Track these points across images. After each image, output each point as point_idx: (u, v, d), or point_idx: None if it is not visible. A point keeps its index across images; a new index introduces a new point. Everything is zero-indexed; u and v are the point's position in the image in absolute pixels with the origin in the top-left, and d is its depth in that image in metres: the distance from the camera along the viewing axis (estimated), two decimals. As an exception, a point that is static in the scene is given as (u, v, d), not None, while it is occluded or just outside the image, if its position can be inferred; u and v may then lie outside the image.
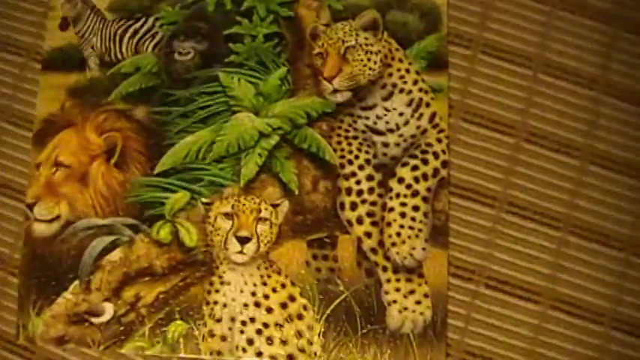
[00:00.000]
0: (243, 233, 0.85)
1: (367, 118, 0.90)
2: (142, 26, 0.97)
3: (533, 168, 0.91)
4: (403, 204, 0.88)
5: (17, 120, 0.97)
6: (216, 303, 0.86)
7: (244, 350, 0.85)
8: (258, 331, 0.85)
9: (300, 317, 0.85)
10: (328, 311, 0.86)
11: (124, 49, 0.97)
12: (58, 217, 0.91)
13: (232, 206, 0.87)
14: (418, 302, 0.86)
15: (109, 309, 0.87)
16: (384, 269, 0.86)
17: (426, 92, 0.91)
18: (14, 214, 0.93)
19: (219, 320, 0.85)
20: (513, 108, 0.92)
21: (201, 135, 0.92)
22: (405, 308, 0.85)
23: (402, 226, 0.87)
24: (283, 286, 0.86)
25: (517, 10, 0.95)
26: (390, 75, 0.91)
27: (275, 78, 0.92)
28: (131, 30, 0.97)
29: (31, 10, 1.01)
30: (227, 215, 0.87)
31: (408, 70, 0.91)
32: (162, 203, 0.90)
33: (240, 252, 0.85)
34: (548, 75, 0.94)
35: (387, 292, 0.86)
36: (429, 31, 0.93)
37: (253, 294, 0.85)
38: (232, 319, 0.85)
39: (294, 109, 0.91)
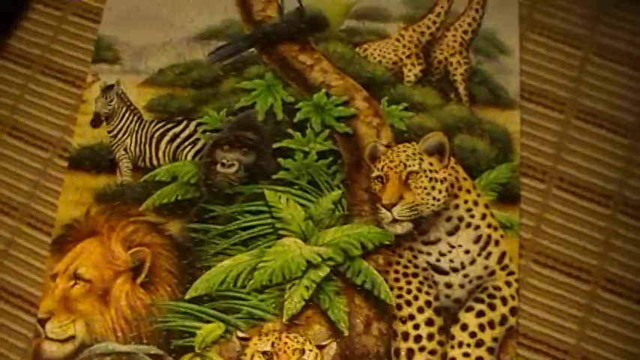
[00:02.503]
0: (283, 377, 0.77)
1: (429, 254, 0.83)
2: (182, 130, 0.90)
3: (610, 319, 0.84)
4: (466, 354, 0.80)
5: (35, 222, 0.91)
6: None
7: None
8: None
9: None
10: None
11: (160, 155, 0.90)
12: (72, 338, 0.83)
13: (272, 344, 0.80)
14: None
15: None
16: None
17: (495, 229, 0.83)
18: (23, 328, 0.86)
19: None
20: (590, 251, 0.86)
21: (242, 259, 0.85)
22: None
23: (463, 381, 0.79)
24: None
25: (594, 142, 0.90)
26: (457, 207, 0.83)
27: (328, 201, 0.85)
28: (170, 134, 0.90)
29: (62, 102, 0.96)
30: (265, 354, 0.79)
31: (476, 203, 0.84)
32: (193, 334, 0.82)
33: (279, 399, 0.77)
34: (627, 215, 0.87)
35: None
36: (500, 160, 0.87)
37: None
38: None
39: (348, 238, 0.84)
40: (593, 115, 0.91)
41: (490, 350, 0.81)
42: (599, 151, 0.90)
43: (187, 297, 0.84)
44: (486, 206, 0.85)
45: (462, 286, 0.83)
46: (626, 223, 0.87)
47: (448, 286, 0.83)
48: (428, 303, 0.82)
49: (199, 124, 0.91)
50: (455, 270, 0.83)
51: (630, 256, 0.86)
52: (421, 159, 0.85)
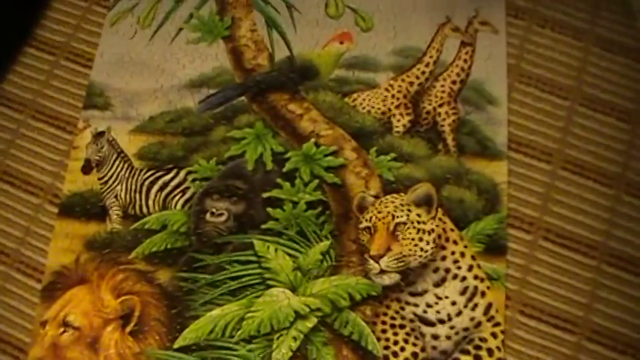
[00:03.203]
0: None
1: (416, 305, 0.84)
2: (172, 179, 0.91)
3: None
4: (452, 406, 0.80)
5: (25, 268, 0.92)
6: None
7: None
8: None
9: None
10: None
11: (150, 203, 0.91)
12: (61, 385, 0.83)
13: (260, 395, 0.79)
14: None
15: None
16: None
17: (482, 280, 0.85)
18: (11, 376, 0.85)
19: None
20: (576, 302, 0.87)
21: (230, 309, 0.86)
22: None
23: None
24: None
25: (581, 192, 0.91)
26: (444, 258, 0.84)
27: (316, 252, 0.86)
28: (160, 182, 0.91)
29: (53, 148, 0.97)
30: (253, 405, 0.79)
31: (463, 254, 0.85)
32: (181, 383, 0.82)
33: None
34: (612, 266, 0.89)
35: None
36: (488, 212, 0.88)
37: None
38: None
39: (336, 289, 0.85)
40: (579, 166, 0.92)
41: (476, 402, 0.82)
42: (585, 202, 0.91)
43: (176, 346, 0.85)
44: (473, 258, 0.86)
45: (448, 337, 0.84)
46: (611, 274, 0.88)
47: (435, 337, 0.84)
48: (414, 354, 0.83)
49: (189, 173, 0.92)
50: (442, 321, 0.84)
51: (616, 307, 0.87)
52: (409, 210, 0.86)
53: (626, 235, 0.89)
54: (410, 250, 0.85)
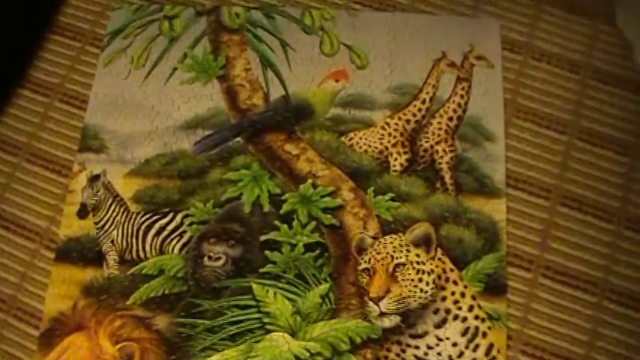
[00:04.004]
0: None
1: (417, 347, 0.84)
2: (168, 223, 0.91)
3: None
4: None
5: (23, 315, 0.92)
6: None
7: None
8: None
9: None
10: None
11: (147, 247, 0.91)
12: None
13: None
14: None
15: None
16: None
17: (483, 320, 0.85)
18: None
19: None
20: (577, 340, 0.87)
21: (230, 355, 0.86)
22: None
23: None
24: None
25: (580, 228, 0.92)
26: (444, 299, 0.85)
27: (315, 295, 0.86)
28: (157, 226, 0.91)
29: (48, 191, 0.97)
30: None
31: (463, 294, 0.85)
32: None
33: None
34: (613, 302, 0.89)
35: None
36: (487, 250, 0.88)
37: None
38: None
39: (336, 332, 0.85)
40: (578, 202, 0.92)
41: None
42: (585, 238, 0.91)
43: (175, 394, 0.84)
44: (473, 297, 0.87)
45: (450, 380, 0.84)
46: (612, 310, 0.89)
47: (437, 380, 0.84)
48: (416, 398, 0.83)
49: (186, 216, 0.93)
50: (443, 364, 0.84)
51: (617, 344, 0.87)
52: (408, 251, 0.86)
53: (627, 271, 0.90)
54: (410, 291, 0.85)
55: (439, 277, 0.86)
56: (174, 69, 1.01)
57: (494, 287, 0.88)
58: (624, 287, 0.89)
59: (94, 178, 0.96)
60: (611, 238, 0.91)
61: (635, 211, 0.92)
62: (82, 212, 0.95)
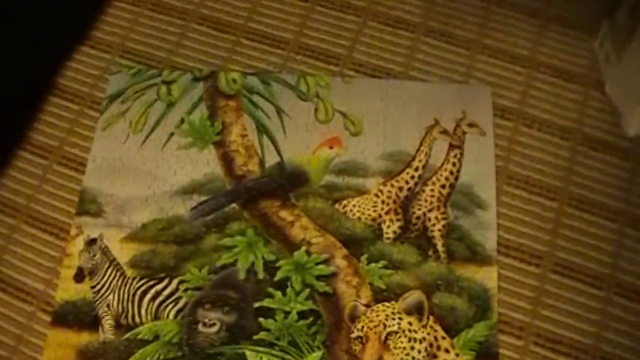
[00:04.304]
0: None
1: None
2: (164, 288, 0.93)
3: None
4: None
5: (18, 377, 0.91)
6: None
7: None
8: None
9: None
10: None
11: (143, 312, 0.92)
12: None
13: None
14: None
15: None
16: None
17: (474, 389, 0.85)
18: None
19: None
20: (568, 409, 0.86)
21: (223, 422, 0.85)
22: None
23: None
24: None
25: (571, 295, 0.93)
26: (436, 367, 0.85)
27: (309, 364, 0.87)
28: (152, 291, 0.93)
29: (46, 254, 0.99)
30: None
31: (454, 363, 0.86)
32: None
33: None
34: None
35: None
36: (478, 318, 0.90)
37: None
38: None
39: (329, 400, 0.85)
40: (569, 268, 0.94)
41: None
42: (576, 305, 0.93)
43: None
44: (465, 366, 0.87)
45: None
46: (607, 376, 0.89)
47: None
48: None
49: (181, 282, 0.94)
50: None
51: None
52: (400, 319, 0.87)
53: (618, 338, 0.91)
54: (402, 359, 0.86)
55: (431, 345, 0.88)
56: (172, 134, 1.03)
57: (485, 355, 0.89)
58: (615, 354, 0.90)
59: (91, 242, 0.97)
60: (602, 304, 0.93)
61: (624, 277, 0.94)
62: (79, 276, 0.96)
